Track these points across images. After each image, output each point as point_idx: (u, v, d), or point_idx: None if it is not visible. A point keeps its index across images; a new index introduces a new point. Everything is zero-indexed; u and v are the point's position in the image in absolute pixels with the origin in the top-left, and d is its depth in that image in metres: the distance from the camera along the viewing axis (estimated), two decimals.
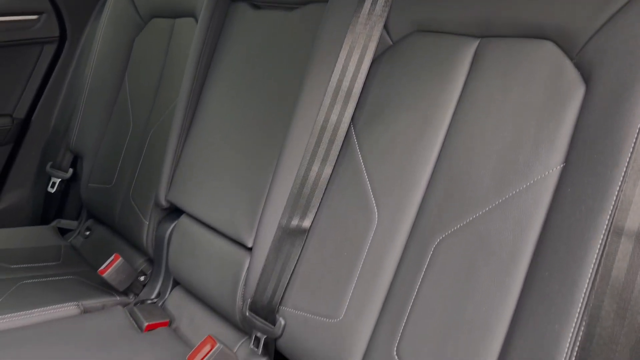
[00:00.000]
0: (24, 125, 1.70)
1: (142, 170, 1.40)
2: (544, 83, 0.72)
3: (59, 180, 1.68)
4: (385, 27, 0.94)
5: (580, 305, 0.59)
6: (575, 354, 0.58)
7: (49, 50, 1.68)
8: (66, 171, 1.69)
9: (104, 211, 1.51)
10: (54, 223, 1.69)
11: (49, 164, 1.70)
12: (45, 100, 1.71)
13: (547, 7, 0.73)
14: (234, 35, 1.24)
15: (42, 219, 1.71)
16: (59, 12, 1.65)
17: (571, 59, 0.71)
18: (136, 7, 1.57)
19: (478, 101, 0.79)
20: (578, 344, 0.58)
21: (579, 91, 0.69)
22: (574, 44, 0.70)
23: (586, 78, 0.69)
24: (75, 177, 1.69)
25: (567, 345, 0.59)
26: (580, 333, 0.58)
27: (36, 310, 1.14)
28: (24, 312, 1.12)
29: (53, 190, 1.67)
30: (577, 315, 0.59)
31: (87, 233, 1.60)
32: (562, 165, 0.68)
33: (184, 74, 1.29)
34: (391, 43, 0.93)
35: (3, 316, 1.09)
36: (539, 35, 0.75)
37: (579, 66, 0.70)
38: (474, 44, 0.82)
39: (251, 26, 1.21)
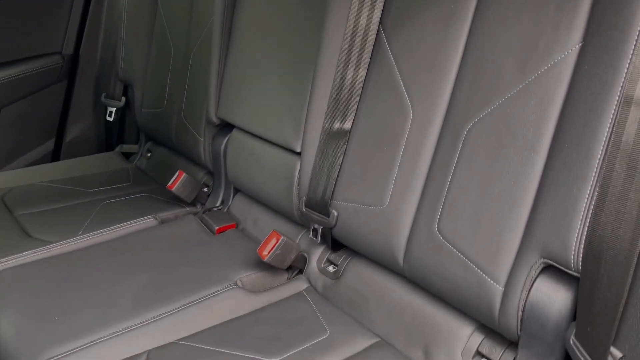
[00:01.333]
0: (74, 60, 1.80)
1: (189, 91, 1.50)
2: None
3: (115, 109, 1.81)
4: None
5: (595, 169, 0.67)
6: (590, 212, 0.67)
7: None
8: (119, 100, 1.82)
9: (160, 133, 1.64)
10: (117, 149, 1.86)
11: (103, 94, 1.83)
12: (88, 35, 1.80)
13: None
14: None
15: (107, 146, 1.87)
16: None
17: None
18: None
19: None
20: (593, 203, 0.67)
21: None
22: None
23: None
24: (129, 104, 1.82)
25: (584, 204, 0.68)
26: (595, 193, 0.66)
27: (122, 224, 1.31)
28: (113, 227, 1.29)
29: (111, 119, 1.82)
30: (592, 178, 0.67)
31: (149, 155, 1.76)
32: (580, 45, 0.73)
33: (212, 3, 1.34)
34: None
35: (97, 232, 1.27)
36: None
37: None
38: None
39: None
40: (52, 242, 1.22)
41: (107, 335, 0.92)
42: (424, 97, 0.92)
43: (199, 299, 1.02)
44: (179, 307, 0.99)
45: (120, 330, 0.93)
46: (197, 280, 1.07)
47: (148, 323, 0.95)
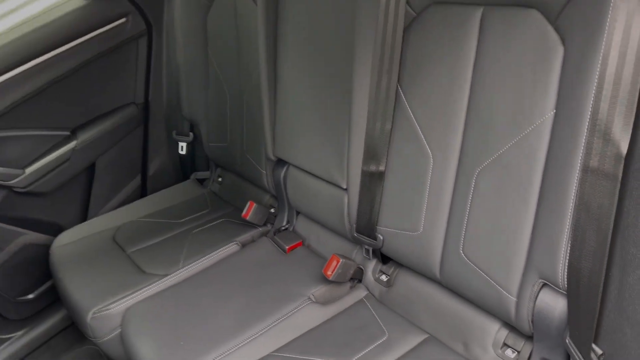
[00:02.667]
0: (145, 107, 2.11)
1: (247, 130, 1.76)
2: (534, 44, 0.93)
3: (185, 143, 2.11)
4: (408, 1, 1.14)
5: (569, 217, 0.88)
6: (569, 247, 0.88)
7: (143, 42, 2.02)
8: (188, 135, 2.11)
9: (227, 163, 1.93)
10: (192, 176, 2.17)
11: (174, 132, 2.13)
12: (154, 83, 2.09)
13: None
14: (293, 5, 1.47)
15: (183, 176, 2.19)
16: (140, 9, 1.95)
17: (552, 24, 0.90)
18: None
19: (488, 59, 1.01)
20: (570, 240, 0.88)
21: (559, 51, 0.89)
22: (553, 11, 0.89)
23: (563, 40, 0.89)
24: (197, 137, 2.12)
25: (564, 241, 0.89)
26: (571, 234, 0.87)
27: (212, 253, 1.61)
28: (205, 256, 1.60)
29: (184, 152, 2.12)
30: (567, 223, 0.88)
31: (220, 179, 2.05)
32: (553, 112, 0.92)
33: (259, 45, 1.56)
34: (415, 14, 1.14)
35: (194, 262, 1.58)
36: (527, 4, 0.93)
37: (557, 30, 0.89)
38: (479, 12, 1.02)
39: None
40: (161, 275, 1.54)
41: (222, 354, 1.23)
42: (440, 144, 1.13)
43: (284, 315, 1.31)
44: (270, 324, 1.29)
45: (230, 349, 1.24)
46: (279, 299, 1.36)
47: (249, 340, 1.25)
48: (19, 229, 1.94)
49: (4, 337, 1.96)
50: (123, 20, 1.98)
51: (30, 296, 2.02)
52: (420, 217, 1.19)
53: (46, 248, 1.83)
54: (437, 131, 1.13)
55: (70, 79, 1.92)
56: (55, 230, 1.97)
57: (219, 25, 1.81)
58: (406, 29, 1.15)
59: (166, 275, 1.54)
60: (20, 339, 1.97)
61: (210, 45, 1.88)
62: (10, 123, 1.86)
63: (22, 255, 1.95)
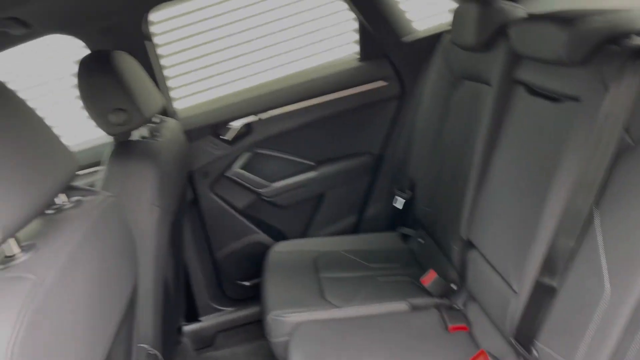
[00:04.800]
0: (378, 158, 2.38)
1: (453, 204, 1.85)
2: None
3: (403, 200, 2.31)
4: (625, 128, 1.11)
5: None
6: None
7: (392, 104, 2.30)
8: (406, 192, 2.30)
9: (430, 228, 2.05)
10: (398, 230, 2.35)
11: (395, 186, 2.35)
12: (391, 140, 2.35)
13: None
14: (514, 110, 1.54)
15: (392, 226, 2.39)
16: (401, 77, 2.24)
17: None
18: (451, 70, 2.00)
19: None
20: None
21: None
22: None
23: None
24: (413, 196, 2.29)
25: None
26: None
27: (383, 302, 1.76)
28: (376, 303, 1.75)
29: (398, 206, 2.32)
30: None
31: (421, 241, 2.18)
32: None
33: (479, 133, 1.66)
34: (632, 144, 1.10)
35: (366, 305, 1.75)
36: None
37: None
38: None
39: (526, 106, 1.48)
40: (336, 306, 1.75)
41: None
42: (622, 281, 1.05)
43: None
44: None
45: None
46: None
47: None
48: (255, 228, 2.42)
49: (218, 307, 2.45)
50: (384, 83, 2.29)
51: (247, 283, 2.48)
52: (578, 346, 1.13)
53: (268, 249, 2.23)
54: (623, 269, 1.07)
55: (326, 121, 2.32)
56: (279, 237, 2.39)
57: (460, 104, 1.96)
58: (618, 155, 1.12)
59: (339, 307, 1.75)
60: (228, 315, 2.43)
61: (448, 119, 2.04)
62: (275, 146, 2.34)
63: (251, 249, 2.42)
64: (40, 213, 0.80)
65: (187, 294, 2.35)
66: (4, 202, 0.68)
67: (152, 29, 2.14)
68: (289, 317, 1.70)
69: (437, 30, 2.16)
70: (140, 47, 2.05)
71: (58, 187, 0.84)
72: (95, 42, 1.96)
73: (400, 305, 1.76)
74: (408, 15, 2.30)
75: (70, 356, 0.72)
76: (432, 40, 2.14)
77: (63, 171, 0.86)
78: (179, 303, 2.16)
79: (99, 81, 1.49)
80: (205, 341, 2.42)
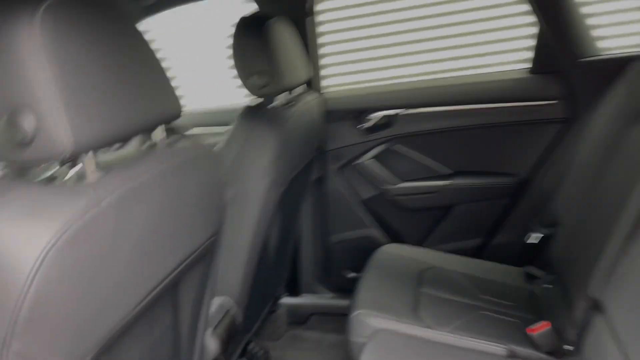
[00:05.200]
0: (521, 185, 2.13)
1: (590, 254, 1.57)
2: None
3: (540, 235, 2.03)
4: None
5: None
6: None
7: (554, 127, 2.03)
8: (545, 227, 2.02)
9: (563, 275, 1.77)
10: (525, 267, 2.08)
11: (534, 219, 2.08)
12: (543, 167, 2.08)
13: None
14: None
15: (516, 261, 2.13)
16: (575, 100, 1.96)
17: None
18: (633, 103, 1.68)
19: None
20: None
21: None
22: None
23: None
24: (551, 235, 2.01)
25: None
26: None
27: (480, 340, 1.57)
28: (472, 338, 1.57)
29: (532, 241, 2.05)
30: None
31: (549, 286, 1.90)
32: None
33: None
34: None
35: (459, 337, 1.58)
36: None
37: None
38: None
39: None
40: (424, 325, 1.61)
41: None
42: None
43: None
44: None
45: None
46: None
47: None
48: (374, 222, 2.35)
49: (319, 289, 2.45)
50: (552, 102, 2.03)
51: (351, 274, 2.44)
52: None
53: (379, 246, 2.14)
54: None
55: (475, 130, 2.14)
56: (395, 238, 2.29)
57: (635, 144, 1.64)
58: None
59: (429, 327, 1.61)
60: (326, 299, 2.42)
61: (616, 159, 1.73)
62: (413, 144, 2.23)
63: (363, 242, 2.37)
64: (126, 140, 0.83)
65: (292, 268, 2.38)
66: (94, 117, 0.71)
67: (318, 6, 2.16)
68: (372, 320, 1.61)
69: (625, 54, 1.84)
70: (301, 17, 2.08)
71: (151, 123, 0.86)
72: (266, 5, 2.04)
73: (497, 349, 1.56)
74: (594, 33, 1.99)
75: (104, 288, 0.73)
76: (618, 65, 1.83)
77: (162, 110, 0.88)
78: (280, 273, 2.19)
79: (249, 42, 1.55)
80: (299, 318, 2.44)
